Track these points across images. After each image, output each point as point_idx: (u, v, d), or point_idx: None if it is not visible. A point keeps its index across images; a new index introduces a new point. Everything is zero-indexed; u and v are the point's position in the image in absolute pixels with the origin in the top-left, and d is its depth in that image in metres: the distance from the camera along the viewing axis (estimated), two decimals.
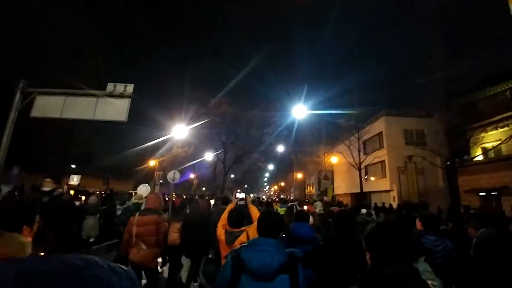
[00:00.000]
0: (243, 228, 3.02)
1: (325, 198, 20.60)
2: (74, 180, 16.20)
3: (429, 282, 1.73)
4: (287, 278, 1.76)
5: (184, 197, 15.44)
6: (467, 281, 2.84)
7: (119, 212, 7.75)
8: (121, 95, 8.16)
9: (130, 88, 8.22)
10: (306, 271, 1.92)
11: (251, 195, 27.75)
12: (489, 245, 2.94)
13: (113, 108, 8.10)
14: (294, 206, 7.34)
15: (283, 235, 3.18)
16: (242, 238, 2.89)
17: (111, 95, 8.21)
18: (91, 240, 7.59)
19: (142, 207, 5.07)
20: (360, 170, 17.34)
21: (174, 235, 4.41)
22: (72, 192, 11.81)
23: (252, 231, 2.91)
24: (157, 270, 3.80)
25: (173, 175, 11.13)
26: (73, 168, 22.66)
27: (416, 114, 19.92)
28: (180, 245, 4.51)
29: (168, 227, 4.21)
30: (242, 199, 3.95)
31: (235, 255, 1.86)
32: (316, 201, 12.75)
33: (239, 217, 3.12)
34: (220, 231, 3.04)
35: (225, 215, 3.19)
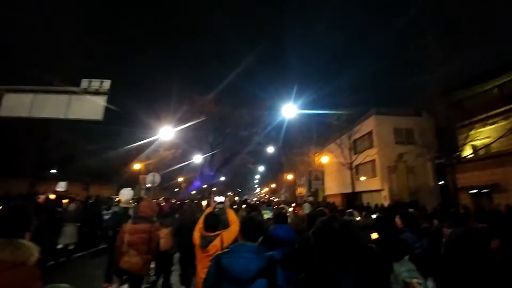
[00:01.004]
0: (217, 232, 3.04)
1: (310, 198, 20.54)
2: (61, 187, 15.44)
3: (415, 280, 1.86)
4: (265, 282, 1.84)
5: (173, 201, 14.96)
6: (443, 277, 2.92)
7: (106, 217, 7.76)
8: (97, 92, 7.70)
9: (106, 84, 7.77)
10: (287, 272, 2.00)
11: (236, 198, 27.46)
12: (455, 243, 3.14)
13: (88, 106, 7.63)
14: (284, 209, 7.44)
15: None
16: (216, 242, 2.94)
17: (86, 92, 7.73)
18: (70, 247, 7.34)
19: (130, 212, 5.10)
20: (351, 169, 17.18)
21: (161, 241, 4.35)
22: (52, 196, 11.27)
23: (226, 235, 3.01)
24: (143, 277, 3.76)
25: (152, 178, 10.57)
26: (51, 172, 21.64)
27: (405, 112, 19.95)
28: (171, 250, 4.63)
29: None
30: (220, 202, 4.08)
31: (217, 262, 1.95)
32: (305, 202, 12.58)
33: (215, 221, 3.13)
34: (196, 235, 3.11)
35: (201, 219, 3.20)
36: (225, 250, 2.16)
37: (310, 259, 2.39)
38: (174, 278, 5.08)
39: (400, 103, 20.44)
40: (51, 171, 24.74)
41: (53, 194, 11.35)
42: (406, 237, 2.80)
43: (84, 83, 7.85)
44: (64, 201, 9.31)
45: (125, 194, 6.31)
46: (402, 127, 19.62)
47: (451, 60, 15.94)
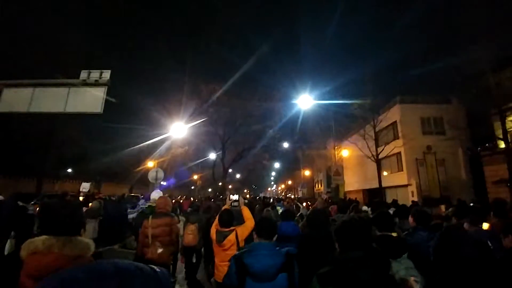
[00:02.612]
0: (232, 228, 3.33)
1: (323, 195, 19.60)
2: (85, 188, 15.66)
3: (412, 278, 1.94)
4: (285, 276, 2.03)
5: (192, 199, 14.82)
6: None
7: (131, 215, 8.16)
8: (96, 83, 7.29)
9: (106, 74, 7.34)
10: None
11: (246, 196, 27.13)
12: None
13: (87, 98, 7.24)
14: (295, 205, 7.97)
15: None
16: (231, 237, 3.23)
17: (85, 84, 7.33)
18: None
19: None
20: (378, 161, 16.06)
21: (189, 237, 4.88)
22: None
23: (241, 230, 3.31)
24: (168, 267, 4.12)
25: (155, 174, 10.08)
26: (62, 172, 21.79)
27: (433, 100, 18.59)
28: (198, 246, 5.02)
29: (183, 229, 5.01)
30: (235, 200, 4.24)
31: (237, 261, 2.09)
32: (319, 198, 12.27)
33: (229, 217, 3.41)
34: (212, 231, 3.43)
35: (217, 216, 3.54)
36: (243, 249, 2.28)
37: (308, 254, 2.56)
38: (201, 272, 5.52)
39: (427, 90, 19.11)
40: (68, 170, 25.13)
41: (78, 194, 11.69)
42: (419, 235, 2.85)
43: (84, 74, 7.48)
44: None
45: (155, 195, 6.48)
46: (429, 116, 18.28)
47: (486, 39, 14.66)
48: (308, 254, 2.57)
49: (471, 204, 7.33)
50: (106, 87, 7.19)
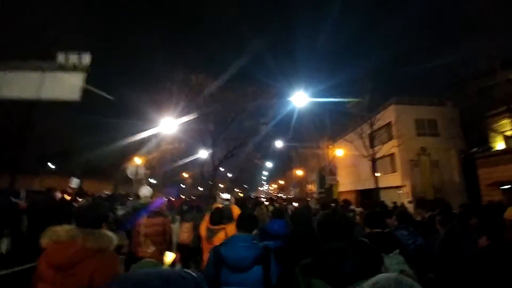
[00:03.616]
0: (222, 225, 3.52)
1: (314, 195, 19.33)
2: (74, 183, 15.01)
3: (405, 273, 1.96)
4: (260, 268, 2.10)
5: (183, 198, 14.55)
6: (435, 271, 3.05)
7: (120, 212, 8.06)
8: (74, 68, 6.74)
9: (86, 58, 6.81)
10: (278, 265, 2.26)
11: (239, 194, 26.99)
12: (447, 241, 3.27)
13: (64, 84, 6.70)
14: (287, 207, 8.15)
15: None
16: (221, 235, 3.41)
17: (62, 68, 6.79)
18: None
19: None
20: (374, 161, 15.86)
21: (184, 235, 5.06)
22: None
23: (230, 228, 3.36)
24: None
25: (135, 170, 9.52)
26: (46, 166, 20.83)
27: (428, 102, 18.68)
28: (192, 244, 5.05)
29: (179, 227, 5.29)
30: (226, 199, 4.40)
31: (215, 251, 2.20)
32: (312, 199, 12.22)
33: (219, 216, 3.63)
34: (202, 228, 3.69)
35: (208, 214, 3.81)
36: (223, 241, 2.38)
37: (292, 251, 2.66)
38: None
39: (423, 91, 19.18)
40: (49, 165, 24.12)
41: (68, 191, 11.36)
42: (399, 234, 3.00)
43: (61, 57, 6.92)
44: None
45: (145, 191, 6.51)
46: (424, 117, 18.35)
47: (479, 43, 14.68)
48: (293, 250, 2.64)
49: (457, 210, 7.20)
50: (86, 71, 6.66)
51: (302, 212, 3.48)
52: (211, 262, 2.16)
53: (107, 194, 13.56)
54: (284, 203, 10.89)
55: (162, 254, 4.08)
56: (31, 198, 7.34)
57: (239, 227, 2.37)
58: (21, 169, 17.16)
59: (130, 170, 9.67)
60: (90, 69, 6.74)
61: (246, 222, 2.38)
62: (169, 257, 3.49)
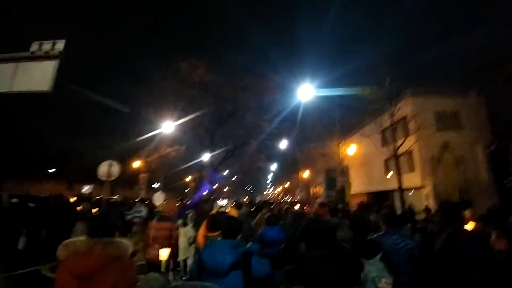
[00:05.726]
0: (219, 231, 3.46)
1: (318, 200, 18.45)
2: (86, 189, 14.75)
3: (383, 280, 2.08)
4: (240, 273, 2.18)
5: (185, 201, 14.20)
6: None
7: (129, 217, 8.83)
8: (47, 56, 6.21)
9: (60, 45, 6.31)
10: (277, 271, 2.21)
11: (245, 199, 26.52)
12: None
13: (36, 74, 6.19)
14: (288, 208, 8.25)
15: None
16: None
17: (34, 57, 6.27)
18: None
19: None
20: (397, 157, 14.75)
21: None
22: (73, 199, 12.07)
23: None
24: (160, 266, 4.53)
25: (107, 169, 8.47)
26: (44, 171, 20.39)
27: (448, 92, 17.56)
28: None
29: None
30: (223, 206, 5.07)
31: (199, 256, 2.38)
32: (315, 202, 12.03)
33: (215, 222, 3.72)
34: (200, 236, 4.19)
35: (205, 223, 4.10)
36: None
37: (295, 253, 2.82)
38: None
39: (442, 81, 18.11)
40: (44, 170, 23.74)
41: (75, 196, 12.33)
42: (389, 239, 3.02)
43: (34, 46, 6.47)
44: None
45: (158, 197, 7.35)
46: (445, 109, 17.27)
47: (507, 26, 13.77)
48: (289, 256, 2.73)
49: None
50: (58, 59, 6.07)
51: (298, 218, 3.74)
52: (195, 266, 2.37)
53: (115, 200, 13.29)
54: (286, 206, 10.14)
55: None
56: (39, 202, 8.68)
57: (222, 233, 2.49)
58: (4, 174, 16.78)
59: (101, 169, 8.66)
60: (63, 56, 6.20)
61: (228, 228, 2.51)
62: (164, 253, 3.53)
